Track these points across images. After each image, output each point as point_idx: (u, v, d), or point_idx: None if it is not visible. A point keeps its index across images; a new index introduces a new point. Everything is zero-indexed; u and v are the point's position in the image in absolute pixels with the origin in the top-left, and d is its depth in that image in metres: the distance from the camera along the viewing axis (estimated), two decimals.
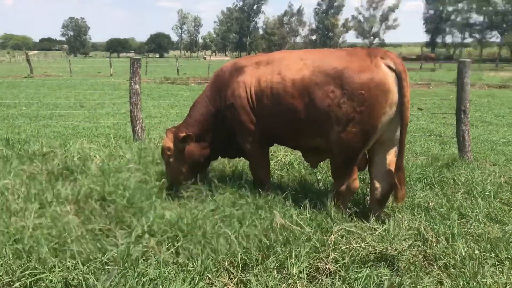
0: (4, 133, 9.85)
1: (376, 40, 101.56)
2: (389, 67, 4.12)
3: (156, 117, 13.11)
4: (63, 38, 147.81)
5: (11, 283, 3.23)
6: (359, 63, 4.14)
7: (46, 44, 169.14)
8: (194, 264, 3.48)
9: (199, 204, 4.68)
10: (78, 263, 3.36)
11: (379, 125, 4.11)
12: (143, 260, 3.53)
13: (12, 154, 6.80)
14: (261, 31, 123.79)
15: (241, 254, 3.61)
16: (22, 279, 3.23)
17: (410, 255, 3.70)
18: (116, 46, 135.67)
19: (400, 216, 4.55)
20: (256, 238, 3.83)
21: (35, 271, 3.30)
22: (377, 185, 4.45)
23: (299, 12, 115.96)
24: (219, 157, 5.60)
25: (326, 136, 4.37)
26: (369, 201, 4.72)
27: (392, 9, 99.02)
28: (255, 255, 3.63)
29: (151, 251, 3.62)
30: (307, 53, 4.61)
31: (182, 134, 4.97)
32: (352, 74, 4.10)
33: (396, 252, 3.67)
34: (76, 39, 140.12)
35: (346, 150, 4.26)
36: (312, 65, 4.36)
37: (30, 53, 53.59)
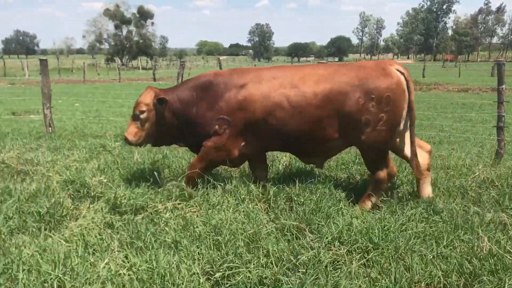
0: None
1: None
2: (399, 72, 4.94)
3: None
4: (249, 44, 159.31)
5: (211, 273, 3.47)
6: (377, 71, 4.90)
7: (234, 50, 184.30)
8: (387, 280, 3.30)
9: (388, 215, 4.46)
10: (272, 263, 3.46)
11: (401, 120, 4.95)
12: (333, 268, 3.48)
13: None
14: (450, 32, 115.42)
15: (439, 277, 3.31)
16: (221, 270, 3.44)
17: None
18: (297, 50, 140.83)
19: None
20: (457, 261, 3.47)
21: (232, 264, 3.49)
22: (420, 160, 5.10)
23: (500, 9, 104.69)
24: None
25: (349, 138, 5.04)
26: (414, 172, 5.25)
27: None
28: (455, 281, 3.29)
29: (342, 260, 3.55)
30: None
31: (162, 96, 5.16)
32: (376, 80, 4.82)
33: None
34: (260, 45, 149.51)
35: (379, 145, 4.94)
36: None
37: (221, 58, 58.74)
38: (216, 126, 5.14)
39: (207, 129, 5.19)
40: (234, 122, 5.10)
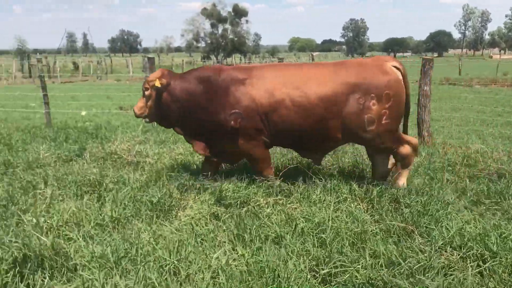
0: None
1: None
2: (396, 68, 5.19)
3: (438, 120, 12.46)
4: (342, 40, 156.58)
5: (317, 270, 3.48)
6: (375, 70, 5.14)
7: (327, 46, 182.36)
8: None
9: (504, 222, 4.16)
10: (380, 265, 3.39)
11: (403, 111, 5.26)
12: (444, 275, 3.31)
13: None
14: None
15: None
16: (327, 268, 3.43)
17: None
18: (393, 46, 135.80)
19: None
20: None
21: (338, 262, 3.46)
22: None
23: None
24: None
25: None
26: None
27: None
28: None
29: (455, 266, 3.37)
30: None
31: (165, 80, 5.41)
32: (375, 79, 5.06)
33: None
34: (354, 40, 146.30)
35: (387, 133, 5.18)
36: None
37: (315, 54, 58.35)
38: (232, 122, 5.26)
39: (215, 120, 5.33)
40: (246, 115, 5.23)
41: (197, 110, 5.41)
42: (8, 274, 3.25)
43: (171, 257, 3.46)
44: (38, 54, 49.97)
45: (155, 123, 6.09)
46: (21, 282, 3.21)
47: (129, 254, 3.57)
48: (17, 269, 3.31)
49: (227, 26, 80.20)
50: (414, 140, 5.48)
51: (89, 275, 3.21)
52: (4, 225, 4.27)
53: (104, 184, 5.50)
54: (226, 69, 5.52)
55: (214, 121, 5.34)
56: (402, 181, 5.34)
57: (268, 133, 5.34)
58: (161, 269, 3.33)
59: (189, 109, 5.44)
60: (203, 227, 4.33)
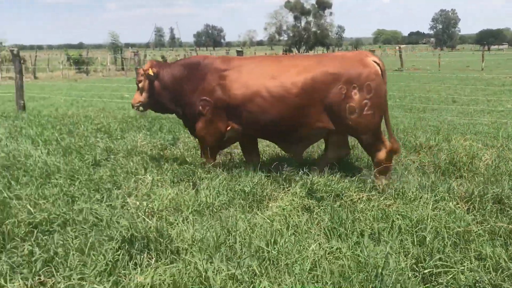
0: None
1: None
2: (375, 62, 5.34)
3: None
4: (431, 32, 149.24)
5: (416, 269, 3.36)
6: (357, 62, 5.31)
7: (414, 38, 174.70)
8: None
9: None
10: (488, 268, 3.21)
11: (385, 105, 5.37)
12: None
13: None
14: None
15: None
16: (428, 267, 3.31)
17: None
18: (488, 38, 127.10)
19: None
20: None
21: (439, 262, 3.33)
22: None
23: None
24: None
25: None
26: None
27: None
28: None
29: None
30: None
31: (154, 70, 5.88)
32: (357, 70, 5.22)
33: None
34: (444, 32, 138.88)
35: (369, 128, 5.29)
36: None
37: (402, 46, 56.22)
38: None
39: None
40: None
41: (182, 95, 5.89)
42: (118, 253, 3.48)
43: (269, 247, 3.51)
44: (130, 48, 52.74)
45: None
46: (130, 261, 3.43)
47: (227, 240, 3.69)
48: (126, 248, 3.55)
49: (310, 18, 79.70)
50: (395, 145, 5.47)
51: (190, 259, 3.35)
52: (111, 207, 4.58)
53: (197, 172, 5.71)
54: (210, 58, 5.94)
55: (187, 104, 5.85)
56: (384, 181, 5.26)
57: (242, 123, 5.64)
58: (260, 257, 3.40)
59: (176, 94, 5.94)
60: (295, 218, 4.35)
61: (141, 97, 6.09)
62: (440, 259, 3.37)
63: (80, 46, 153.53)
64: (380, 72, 5.29)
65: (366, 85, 5.16)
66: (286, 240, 3.67)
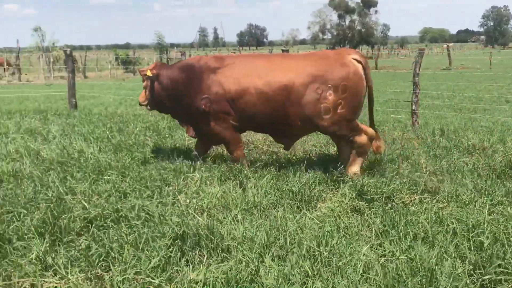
0: (433, 124, 10.29)
1: None
2: (357, 60, 5.46)
3: None
4: (481, 29, 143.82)
5: (474, 275, 3.24)
6: (335, 62, 5.43)
7: (462, 36, 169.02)
8: None
9: None
10: None
11: (361, 103, 5.57)
12: None
13: (450, 145, 7.00)
14: None
15: None
16: (487, 274, 3.18)
17: None
18: None
19: None
20: None
21: (499, 269, 3.20)
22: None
23: None
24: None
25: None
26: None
27: None
28: None
29: None
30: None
31: (154, 72, 6.03)
32: (334, 71, 5.38)
33: None
34: (495, 30, 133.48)
35: (343, 123, 5.45)
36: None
37: (450, 45, 54.57)
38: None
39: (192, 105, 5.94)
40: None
41: (180, 96, 6.03)
42: (170, 249, 3.54)
43: (320, 248, 3.48)
44: (175, 48, 53.70)
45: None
46: (181, 258, 3.48)
47: (277, 240, 3.68)
48: (178, 245, 3.60)
49: (355, 17, 78.59)
50: (371, 130, 5.71)
51: (241, 257, 3.36)
52: (161, 204, 4.67)
53: (244, 171, 5.73)
54: (205, 58, 6.15)
55: (192, 106, 5.94)
56: (356, 168, 5.59)
57: (236, 118, 5.83)
58: (311, 258, 3.37)
59: (174, 95, 6.08)
60: (345, 220, 4.29)
61: (145, 96, 6.32)
62: (499, 265, 3.23)
63: (126, 46, 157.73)
64: (360, 70, 5.46)
65: (341, 85, 5.34)
66: (338, 241, 3.62)
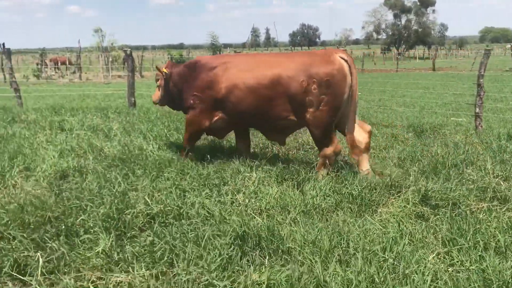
0: (498, 127, 9.80)
1: None
2: (343, 59, 5.61)
3: None
4: None
5: None
6: (322, 58, 5.65)
7: None
8: None
9: None
10: None
11: (342, 102, 5.63)
12: None
13: None
14: None
15: None
16: None
17: None
18: None
19: None
20: None
21: None
22: (360, 139, 5.77)
23: None
24: None
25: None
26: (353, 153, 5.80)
27: None
28: None
29: None
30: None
31: (167, 70, 6.61)
32: (319, 66, 5.56)
33: None
34: None
35: (322, 124, 5.63)
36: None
37: (507, 45, 51.98)
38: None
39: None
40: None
41: (186, 92, 6.45)
42: (231, 249, 3.55)
43: (385, 253, 3.37)
44: (228, 48, 54.30)
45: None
46: (242, 258, 3.47)
47: (339, 244, 3.60)
48: (238, 245, 3.60)
49: (411, 16, 76.33)
50: (339, 147, 5.86)
51: (304, 260, 3.31)
52: (220, 202, 4.70)
53: (302, 172, 5.67)
54: (206, 58, 6.65)
55: (188, 100, 6.40)
56: (322, 173, 5.72)
57: (226, 114, 6.18)
58: (376, 264, 3.27)
59: (182, 91, 6.54)
60: (409, 226, 4.15)
61: (159, 94, 6.89)
62: None
63: (180, 46, 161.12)
64: (345, 68, 5.56)
65: (325, 81, 5.48)
66: (403, 248, 3.50)
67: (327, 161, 5.80)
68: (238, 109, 6.03)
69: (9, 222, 4.08)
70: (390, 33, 77.44)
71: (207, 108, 6.25)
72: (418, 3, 74.47)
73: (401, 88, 22.06)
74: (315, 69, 5.57)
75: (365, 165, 5.76)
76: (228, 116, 6.23)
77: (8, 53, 13.39)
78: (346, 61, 5.62)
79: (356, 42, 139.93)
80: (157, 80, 6.89)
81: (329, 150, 5.75)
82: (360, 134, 5.81)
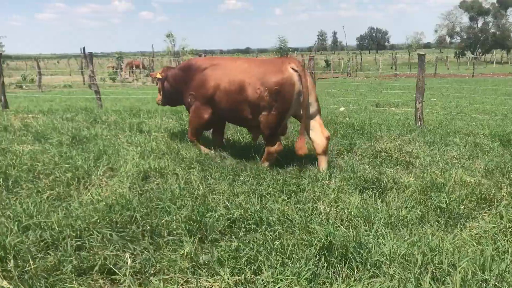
0: None
1: None
2: (293, 69, 6.11)
3: None
4: None
5: None
6: (274, 68, 6.19)
7: None
8: None
9: None
10: None
11: (289, 108, 6.22)
12: None
13: None
14: None
15: None
16: None
17: None
18: None
19: None
20: None
21: None
22: (317, 141, 6.35)
23: None
24: None
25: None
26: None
27: None
28: None
29: None
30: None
31: (163, 74, 7.61)
32: (271, 76, 6.12)
33: None
34: None
35: (271, 126, 6.26)
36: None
37: None
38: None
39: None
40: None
41: (185, 92, 7.18)
42: (316, 259, 3.45)
43: (484, 273, 3.14)
44: (295, 52, 54.34)
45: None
46: (329, 269, 3.36)
47: (432, 260, 3.40)
48: (324, 256, 3.50)
49: (489, 19, 72.37)
50: (280, 147, 6.47)
51: (394, 275, 3.15)
52: (300, 209, 4.61)
53: (383, 182, 5.47)
54: (198, 60, 7.57)
55: (187, 99, 7.17)
56: (265, 164, 6.42)
57: (214, 111, 6.85)
58: (474, 285, 3.05)
59: (177, 92, 7.39)
60: (505, 243, 3.85)
61: (160, 95, 7.87)
62: None
63: (247, 50, 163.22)
64: (294, 78, 6.05)
65: (274, 89, 6.02)
66: (506, 268, 3.23)
67: (270, 157, 6.47)
68: (219, 107, 6.73)
69: (98, 221, 4.22)
70: (465, 36, 73.82)
71: (202, 104, 6.96)
72: (497, 5, 70.43)
73: (479, 94, 20.94)
74: (267, 77, 6.13)
75: (323, 166, 6.28)
76: (215, 112, 6.92)
77: (90, 57, 14.12)
78: (296, 70, 6.09)
79: (427, 45, 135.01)
80: (156, 83, 7.92)
81: (273, 149, 6.41)
82: (319, 138, 6.31)
